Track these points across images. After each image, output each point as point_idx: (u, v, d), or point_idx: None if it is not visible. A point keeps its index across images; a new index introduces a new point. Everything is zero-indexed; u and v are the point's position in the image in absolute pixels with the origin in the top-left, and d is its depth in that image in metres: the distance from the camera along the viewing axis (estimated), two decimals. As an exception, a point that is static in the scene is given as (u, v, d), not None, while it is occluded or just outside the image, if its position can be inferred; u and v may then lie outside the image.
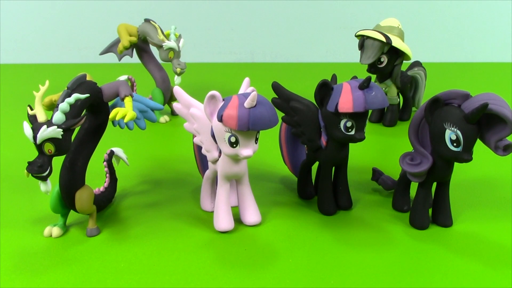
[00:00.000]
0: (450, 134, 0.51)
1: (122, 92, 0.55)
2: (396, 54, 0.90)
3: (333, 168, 0.61)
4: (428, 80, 1.05)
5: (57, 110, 0.48)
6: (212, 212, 0.60)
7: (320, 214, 0.61)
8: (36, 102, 0.50)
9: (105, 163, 0.63)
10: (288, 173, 0.70)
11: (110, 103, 0.59)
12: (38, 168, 0.48)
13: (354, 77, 0.57)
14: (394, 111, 0.98)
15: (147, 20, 0.99)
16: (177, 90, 0.59)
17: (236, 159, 0.54)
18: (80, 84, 0.53)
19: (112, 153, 0.63)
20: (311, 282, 0.48)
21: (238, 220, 0.59)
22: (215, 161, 0.58)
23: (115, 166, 0.65)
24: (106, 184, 0.62)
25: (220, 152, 0.56)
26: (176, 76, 0.96)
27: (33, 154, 0.49)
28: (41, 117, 0.49)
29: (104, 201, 0.61)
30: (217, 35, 1.70)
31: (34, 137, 0.48)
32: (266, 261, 0.52)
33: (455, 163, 0.55)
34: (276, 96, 0.60)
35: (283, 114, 0.60)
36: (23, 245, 0.54)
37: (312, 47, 1.72)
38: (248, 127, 0.49)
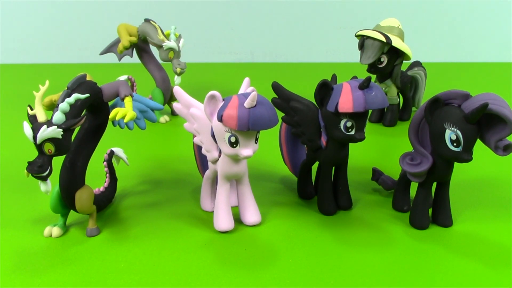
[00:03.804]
0: (450, 134, 0.51)
1: (122, 92, 0.55)
2: (396, 54, 0.90)
3: (333, 168, 0.61)
4: (428, 80, 1.05)
5: (57, 110, 0.48)
6: (212, 212, 0.60)
7: (320, 214, 0.61)
8: (36, 102, 0.50)
9: (105, 163, 0.63)
10: (288, 173, 0.70)
11: (110, 103, 0.59)
12: (38, 168, 0.48)
13: (354, 77, 0.57)
14: (394, 111, 0.98)
15: (147, 20, 0.99)
16: (177, 90, 0.59)
17: (236, 159, 0.54)
18: (80, 84, 0.53)
19: (112, 153, 0.63)
20: (311, 282, 0.48)
21: (238, 220, 0.59)
22: (215, 161, 0.58)
23: (115, 166, 0.65)
24: (106, 184, 0.62)
25: (220, 152, 0.56)
26: (176, 76, 0.96)
27: (33, 154, 0.49)
28: (41, 117, 0.49)
29: (104, 201, 0.61)
30: (217, 35, 1.70)
31: (34, 137, 0.48)
32: (266, 261, 0.52)
33: (455, 163, 0.55)
34: (276, 96, 0.60)
35: (283, 114, 0.60)
36: (23, 245, 0.54)
37: (312, 47, 1.72)
38: (248, 127, 0.49)
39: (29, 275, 0.49)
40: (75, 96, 0.50)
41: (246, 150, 0.51)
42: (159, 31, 0.97)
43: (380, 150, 0.86)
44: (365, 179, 0.70)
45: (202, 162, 0.64)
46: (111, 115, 0.53)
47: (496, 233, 0.57)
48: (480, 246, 0.54)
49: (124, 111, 0.53)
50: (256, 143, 0.53)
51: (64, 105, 0.48)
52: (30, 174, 0.49)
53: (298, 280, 0.49)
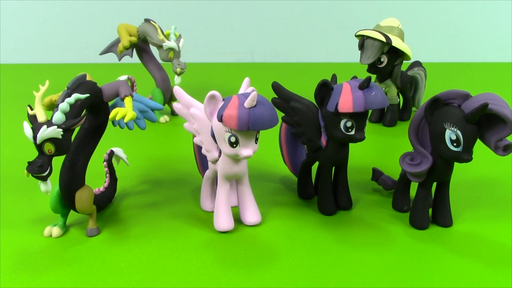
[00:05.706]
0: (450, 134, 0.51)
1: (122, 92, 0.55)
2: (396, 54, 0.90)
3: (333, 168, 0.61)
4: (428, 80, 1.05)
5: (57, 110, 0.48)
6: (212, 212, 0.60)
7: (320, 214, 0.61)
8: (36, 102, 0.50)
9: (105, 163, 0.63)
10: (288, 173, 0.70)
11: (110, 103, 0.59)
12: (38, 168, 0.48)
13: (354, 77, 0.57)
14: (394, 111, 0.98)
15: (147, 20, 0.99)
16: (177, 90, 0.59)
17: (236, 159, 0.54)
18: (80, 84, 0.53)
19: (112, 153, 0.63)
20: (311, 282, 0.48)
21: (238, 220, 0.59)
22: (215, 161, 0.58)
23: (115, 166, 0.65)
24: (106, 184, 0.62)
25: (220, 152, 0.56)
26: (176, 76, 0.96)
27: (33, 154, 0.49)
28: (41, 117, 0.49)
29: (104, 201, 0.61)
30: (217, 35, 1.70)
31: (34, 137, 0.48)
32: (266, 261, 0.52)
33: (455, 163, 0.55)
34: (276, 96, 0.60)
35: (283, 114, 0.60)
36: (23, 245, 0.54)
37: (312, 47, 1.72)
38: (248, 127, 0.49)
39: (29, 275, 0.49)
40: (75, 96, 0.50)
41: (246, 150, 0.51)
42: (159, 31, 0.97)
43: (380, 150, 0.86)
44: (365, 179, 0.70)
45: (202, 162, 0.64)
46: (111, 115, 0.53)
47: (496, 233, 0.57)
48: (480, 246, 0.54)
49: (124, 111, 0.53)
50: (256, 143, 0.53)
51: (64, 105, 0.48)
52: (30, 174, 0.49)
53: (298, 280, 0.49)
